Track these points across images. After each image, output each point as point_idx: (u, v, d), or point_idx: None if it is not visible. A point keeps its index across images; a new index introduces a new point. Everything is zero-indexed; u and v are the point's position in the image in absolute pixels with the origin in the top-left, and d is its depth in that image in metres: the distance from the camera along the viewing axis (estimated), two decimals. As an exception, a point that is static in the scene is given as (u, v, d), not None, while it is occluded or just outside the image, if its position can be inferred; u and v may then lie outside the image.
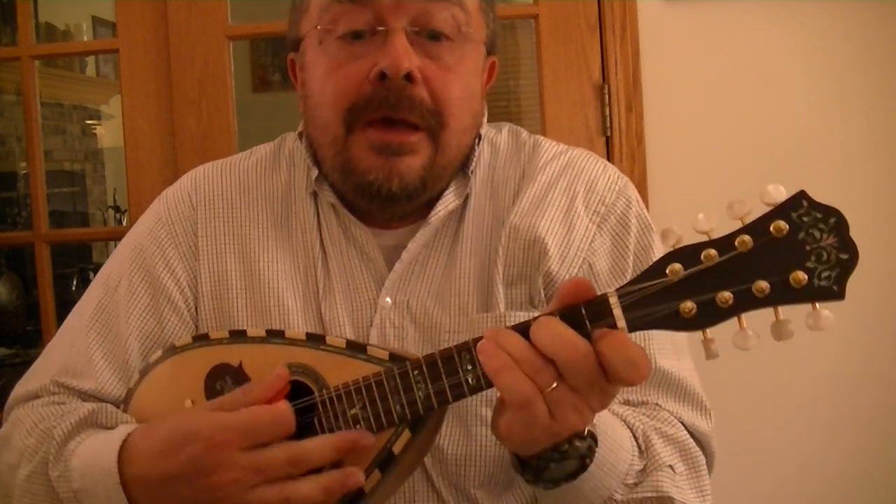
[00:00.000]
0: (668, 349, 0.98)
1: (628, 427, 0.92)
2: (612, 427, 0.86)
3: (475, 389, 0.76)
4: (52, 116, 4.68)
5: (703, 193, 1.75)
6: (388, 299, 0.97)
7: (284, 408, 0.78)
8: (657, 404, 0.97)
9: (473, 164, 1.01)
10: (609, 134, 1.78)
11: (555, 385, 0.71)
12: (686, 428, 0.97)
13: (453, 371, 0.76)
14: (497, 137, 1.07)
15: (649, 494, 0.89)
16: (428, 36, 0.92)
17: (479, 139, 1.02)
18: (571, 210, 0.99)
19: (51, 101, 4.59)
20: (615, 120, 1.77)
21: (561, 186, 1.01)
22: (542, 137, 1.08)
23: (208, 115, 1.83)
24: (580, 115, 1.78)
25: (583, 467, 0.81)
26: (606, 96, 1.77)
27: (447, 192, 0.99)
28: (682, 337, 1.00)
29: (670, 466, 0.91)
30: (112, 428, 0.91)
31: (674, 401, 0.98)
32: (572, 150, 1.06)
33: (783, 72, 1.76)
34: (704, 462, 0.96)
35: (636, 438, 0.92)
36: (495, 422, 0.77)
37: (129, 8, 1.85)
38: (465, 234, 1.00)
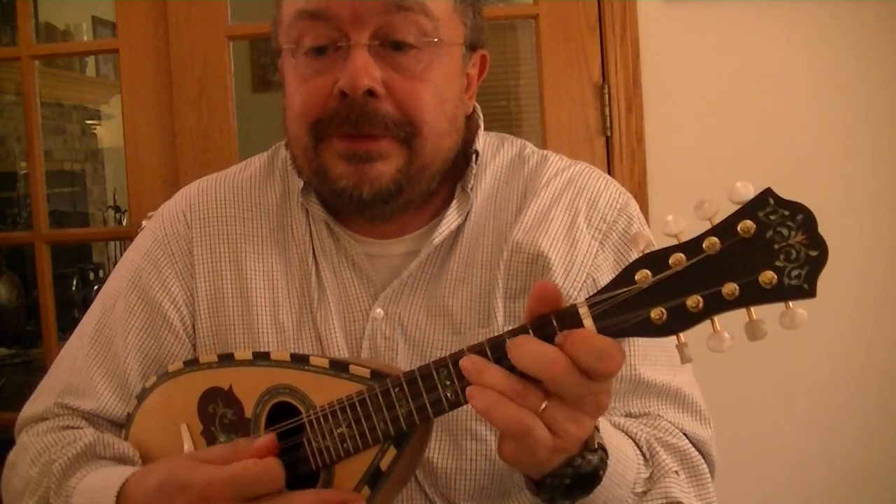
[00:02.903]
0: (663, 364, 0.99)
1: (631, 437, 0.92)
2: (616, 438, 0.87)
3: (454, 405, 0.76)
4: (52, 116, 4.68)
5: (702, 193, 1.73)
6: (380, 310, 0.98)
7: (273, 463, 0.80)
8: (658, 415, 0.98)
9: (472, 181, 1.00)
10: (609, 134, 1.78)
11: (545, 405, 0.71)
12: (687, 436, 0.97)
13: (432, 387, 0.76)
14: (499, 152, 1.06)
15: (659, 501, 0.89)
16: (392, 46, 0.91)
17: (477, 155, 1.01)
18: (574, 227, 1.00)
19: (51, 101, 4.60)
20: (615, 120, 1.77)
21: (563, 203, 1.01)
22: (550, 152, 1.07)
23: (208, 114, 1.83)
24: (580, 115, 1.78)
25: (597, 479, 0.80)
26: (606, 96, 1.77)
27: (449, 210, 0.99)
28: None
29: (676, 472, 0.92)
30: (110, 458, 0.94)
31: (673, 410, 0.98)
32: (575, 165, 1.06)
33: (783, 71, 1.77)
34: (707, 471, 0.96)
35: (640, 447, 0.92)
36: (501, 450, 0.77)
37: (129, 8, 1.85)
38: (462, 249, 1.00)
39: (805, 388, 1.80)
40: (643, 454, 0.92)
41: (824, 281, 0.68)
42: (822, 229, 0.68)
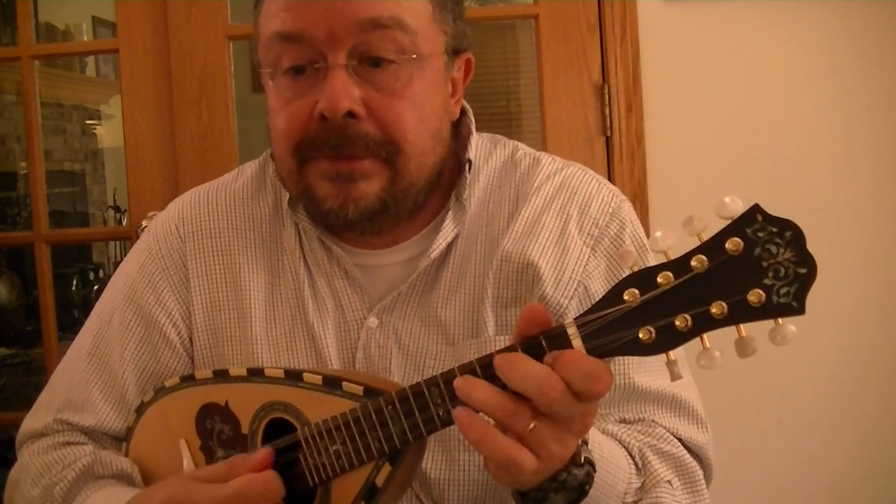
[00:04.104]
0: (658, 369, 0.98)
1: (623, 445, 0.92)
2: (607, 448, 0.86)
3: (447, 423, 0.76)
4: (52, 116, 4.68)
5: (703, 193, 1.74)
6: (374, 319, 0.98)
7: (272, 476, 0.80)
8: (653, 421, 0.97)
9: (467, 191, 0.99)
10: (609, 134, 1.78)
11: (533, 425, 0.71)
12: (683, 442, 0.97)
13: (424, 406, 0.77)
14: (492, 156, 1.05)
15: None
16: (370, 63, 0.90)
17: (471, 164, 1.00)
18: (565, 233, 0.99)
19: (51, 101, 4.60)
20: (615, 120, 1.77)
21: (555, 209, 1.00)
22: (543, 154, 1.06)
23: (208, 115, 1.83)
24: (580, 115, 1.78)
25: (582, 494, 0.80)
26: (606, 96, 1.77)
27: (445, 222, 0.98)
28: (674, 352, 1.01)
29: (668, 482, 0.92)
30: (109, 476, 0.94)
31: (669, 415, 0.98)
32: (568, 167, 1.04)
33: (783, 71, 1.77)
34: (702, 476, 0.96)
35: (632, 456, 0.92)
36: (486, 466, 0.77)
37: (129, 8, 1.85)
38: (455, 258, 0.99)
39: (805, 387, 1.80)
40: (635, 463, 0.91)
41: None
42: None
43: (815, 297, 0.67)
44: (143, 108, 1.85)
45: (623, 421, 0.97)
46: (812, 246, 0.67)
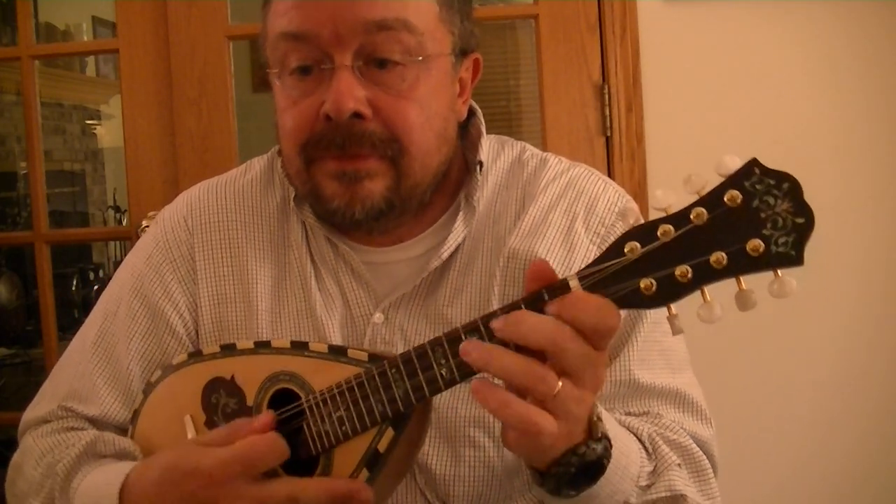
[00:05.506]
0: (661, 367, 0.99)
1: (633, 432, 0.92)
2: (618, 432, 0.86)
3: (450, 383, 0.76)
4: (52, 116, 4.69)
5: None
6: (380, 315, 0.98)
7: (276, 437, 0.80)
8: (659, 414, 0.98)
9: (477, 193, 1.00)
10: (609, 134, 1.78)
11: (560, 385, 0.71)
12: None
13: (428, 366, 0.77)
14: (500, 157, 1.06)
15: (663, 494, 0.89)
16: (376, 64, 0.91)
17: (481, 166, 1.01)
18: (572, 231, 1.00)
19: (51, 101, 4.60)
20: (615, 120, 1.77)
21: (561, 208, 1.01)
22: (549, 155, 1.07)
23: (208, 115, 1.83)
24: (580, 115, 1.78)
25: (601, 469, 0.80)
26: (606, 96, 1.77)
27: (456, 223, 0.99)
28: (676, 353, 1.01)
29: (678, 465, 0.92)
30: (112, 455, 0.94)
31: (673, 410, 0.98)
32: (574, 168, 1.05)
33: (783, 71, 1.77)
34: (710, 467, 0.96)
35: (642, 442, 0.92)
36: (505, 438, 0.77)
37: (129, 8, 1.86)
38: (461, 257, 0.99)
39: (805, 387, 1.80)
40: (646, 448, 0.92)
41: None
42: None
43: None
44: (143, 108, 1.86)
45: (629, 414, 0.98)
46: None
